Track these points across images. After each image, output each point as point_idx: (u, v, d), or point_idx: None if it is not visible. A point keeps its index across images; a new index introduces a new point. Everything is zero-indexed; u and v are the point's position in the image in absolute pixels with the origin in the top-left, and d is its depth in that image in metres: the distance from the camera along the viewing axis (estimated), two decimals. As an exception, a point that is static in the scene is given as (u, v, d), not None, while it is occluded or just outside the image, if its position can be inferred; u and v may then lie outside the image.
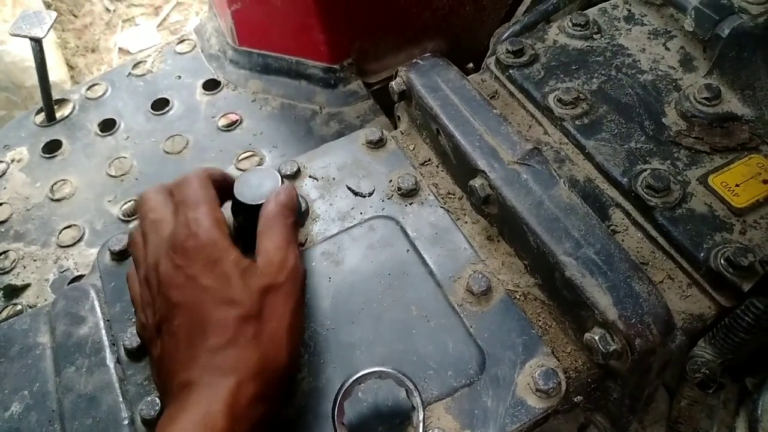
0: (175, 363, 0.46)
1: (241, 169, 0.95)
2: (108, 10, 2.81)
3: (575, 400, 0.54)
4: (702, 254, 0.56)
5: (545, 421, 0.53)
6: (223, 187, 0.56)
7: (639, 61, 0.73)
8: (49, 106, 1.05)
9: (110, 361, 0.58)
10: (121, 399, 0.55)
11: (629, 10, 0.79)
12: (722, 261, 0.55)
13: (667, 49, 0.74)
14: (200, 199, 0.52)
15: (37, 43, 0.99)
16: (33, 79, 2.13)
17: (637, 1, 0.80)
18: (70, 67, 2.55)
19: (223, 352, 0.45)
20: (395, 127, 0.77)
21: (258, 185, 0.56)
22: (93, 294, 0.62)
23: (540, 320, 0.57)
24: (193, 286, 0.47)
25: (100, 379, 0.56)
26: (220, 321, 0.46)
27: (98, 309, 0.61)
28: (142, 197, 0.56)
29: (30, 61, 2.10)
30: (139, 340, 0.56)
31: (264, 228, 0.53)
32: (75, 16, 2.78)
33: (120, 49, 2.65)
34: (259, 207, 0.55)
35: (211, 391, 0.44)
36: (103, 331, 0.60)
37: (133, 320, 0.59)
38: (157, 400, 0.53)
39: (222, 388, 0.44)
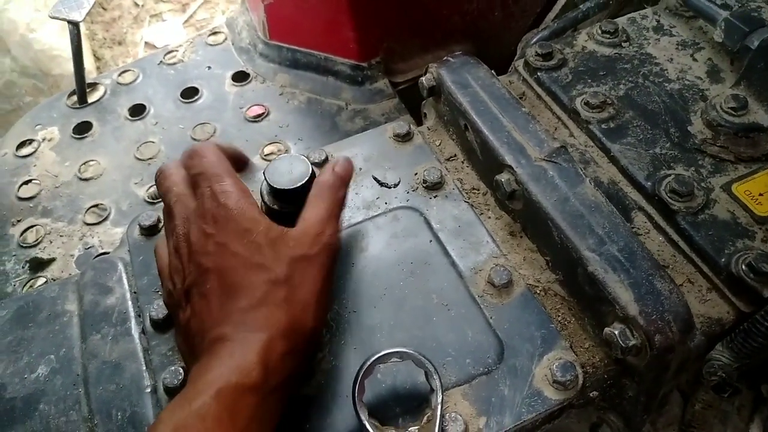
0: (207, 322, 0.48)
1: (266, 160, 0.96)
2: (136, 4, 2.86)
3: (591, 395, 0.54)
4: (723, 259, 0.57)
5: (560, 414, 0.53)
6: (235, 161, 0.58)
7: (666, 70, 0.74)
8: (82, 89, 1.07)
9: (135, 331, 0.59)
10: (144, 368, 0.56)
11: (658, 21, 0.80)
12: (743, 266, 0.55)
13: (695, 59, 0.75)
14: (222, 171, 0.53)
15: (74, 27, 1.01)
16: (60, 68, 2.18)
17: (666, 12, 0.81)
18: (97, 59, 2.60)
19: (254, 312, 0.47)
20: (420, 126, 0.78)
21: (289, 171, 0.58)
22: (121, 266, 0.64)
23: (559, 315, 0.57)
24: (224, 252, 0.49)
25: (125, 348, 0.58)
26: (251, 284, 0.48)
27: (125, 281, 0.63)
28: (162, 172, 0.57)
29: (58, 50, 2.16)
30: (164, 311, 0.58)
31: (314, 196, 0.54)
32: (104, 8, 2.83)
33: (146, 43, 2.69)
34: (291, 191, 0.56)
35: (244, 343, 0.45)
36: (130, 302, 0.61)
37: (160, 293, 0.60)
38: (181, 370, 0.54)
39: (255, 342, 0.45)
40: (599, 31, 0.78)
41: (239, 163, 0.60)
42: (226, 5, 2.81)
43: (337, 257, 0.54)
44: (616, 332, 0.51)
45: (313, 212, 0.53)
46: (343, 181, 0.57)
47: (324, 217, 0.53)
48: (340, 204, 0.55)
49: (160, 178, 0.57)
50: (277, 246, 0.50)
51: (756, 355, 0.55)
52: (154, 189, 0.95)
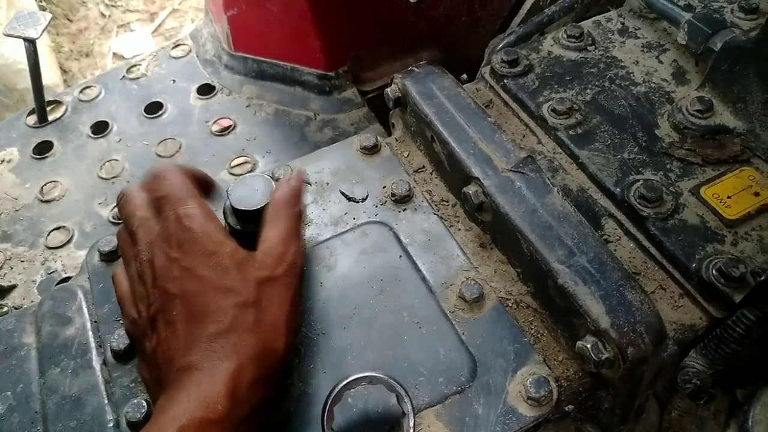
0: (174, 350, 0.46)
1: (234, 174, 0.94)
2: (103, 15, 2.81)
3: (566, 408, 0.53)
4: (694, 265, 0.56)
5: (536, 429, 0.52)
6: (200, 185, 0.56)
7: (632, 73, 0.74)
8: (42, 107, 1.04)
9: (96, 363, 0.57)
10: (106, 401, 0.54)
11: (623, 24, 0.80)
12: (714, 272, 0.55)
13: (660, 62, 0.75)
14: (186, 194, 0.52)
15: (30, 44, 0.98)
16: (25, 82, 2.13)
17: (631, 14, 0.81)
18: (64, 71, 2.54)
19: (223, 338, 0.45)
20: (389, 135, 0.77)
21: (252, 191, 0.57)
22: (81, 295, 0.61)
23: (532, 328, 0.56)
24: (190, 277, 0.47)
25: (86, 381, 0.56)
26: (219, 308, 0.46)
27: (86, 310, 0.60)
28: (125, 196, 0.56)
29: (22, 64, 2.10)
30: (126, 341, 0.56)
31: (271, 215, 0.53)
32: (70, 20, 2.77)
33: (114, 54, 2.64)
34: (253, 212, 0.55)
35: (212, 373, 0.44)
36: (90, 333, 0.59)
37: (121, 322, 0.58)
38: (144, 403, 0.52)
39: (223, 371, 0.44)
40: (564, 36, 0.78)
41: (205, 186, 0.59)
42: (195, 14, 2.77)
43: (302, 276, 0.54)
44: (589, 346, 0.50)
45: (273, 232, 0.52)
46: (297, 195, 0.55)
47: (284, 236, 0.52)
48: (298, 220, 0.54)
49: (122, 202, 0.56)
50: (244, 268, 0.49)
51: (730, 361, 0.54)
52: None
